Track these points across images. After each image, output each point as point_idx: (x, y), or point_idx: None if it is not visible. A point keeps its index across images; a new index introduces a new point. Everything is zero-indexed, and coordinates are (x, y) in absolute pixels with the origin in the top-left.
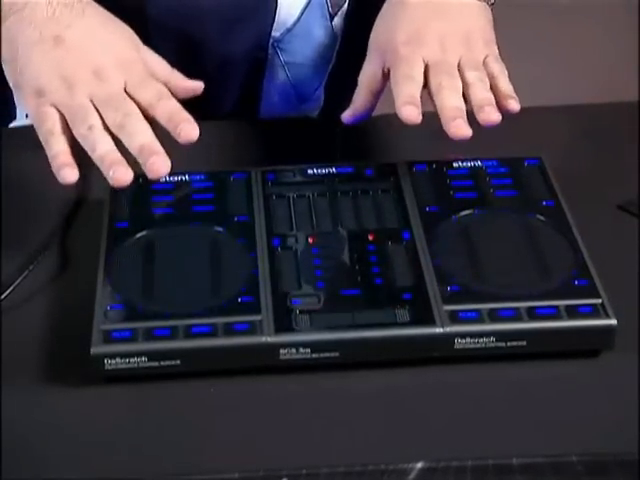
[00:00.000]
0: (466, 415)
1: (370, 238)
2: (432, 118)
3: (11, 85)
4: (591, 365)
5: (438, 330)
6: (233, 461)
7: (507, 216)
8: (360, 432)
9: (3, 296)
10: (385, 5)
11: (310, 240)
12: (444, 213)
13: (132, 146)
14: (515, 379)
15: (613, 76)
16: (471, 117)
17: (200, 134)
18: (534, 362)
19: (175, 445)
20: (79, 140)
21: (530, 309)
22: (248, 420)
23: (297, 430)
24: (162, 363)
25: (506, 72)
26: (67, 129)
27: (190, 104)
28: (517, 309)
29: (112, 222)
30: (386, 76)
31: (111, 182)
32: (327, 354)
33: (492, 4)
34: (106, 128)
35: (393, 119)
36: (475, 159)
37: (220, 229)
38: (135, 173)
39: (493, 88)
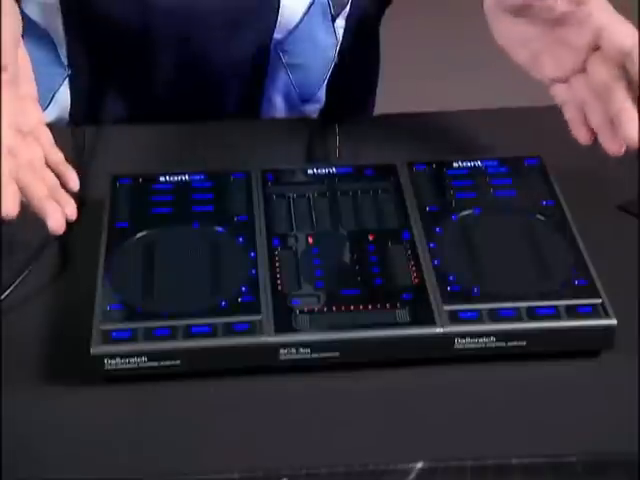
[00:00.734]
0: (466, 415)
1: (370, 238)
2: (432, 118)
3: None
4: (591, 365)
5: (438, 330)
6: (233, 461)
7: (507, 216)
8: (360, 432)
9: (3, 296)
10: None
11: (310, 240)
12: (444, 213)
13: None
14: (515, 379)
15: None
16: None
17: (200, 134)
18: (534, 362)
19: (175, 445)
20: None
21: (530, 309)
22: (248, 420)
23: (297, 430)
24: (162, 363)
25: None
26: None
27: (193, 105)
28: (517, 309)
29: (112, 222)
30: None
31: None
32: (327, 354)
33: None
34: None
35: (393, 119)
36: (475, 159)
37: (220, 229)
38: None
39: None
